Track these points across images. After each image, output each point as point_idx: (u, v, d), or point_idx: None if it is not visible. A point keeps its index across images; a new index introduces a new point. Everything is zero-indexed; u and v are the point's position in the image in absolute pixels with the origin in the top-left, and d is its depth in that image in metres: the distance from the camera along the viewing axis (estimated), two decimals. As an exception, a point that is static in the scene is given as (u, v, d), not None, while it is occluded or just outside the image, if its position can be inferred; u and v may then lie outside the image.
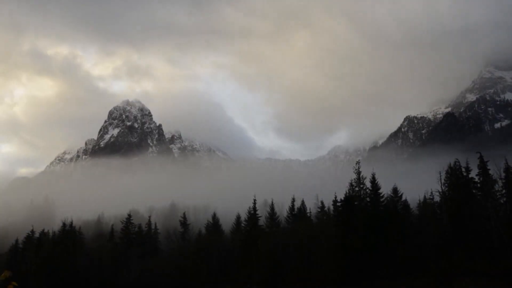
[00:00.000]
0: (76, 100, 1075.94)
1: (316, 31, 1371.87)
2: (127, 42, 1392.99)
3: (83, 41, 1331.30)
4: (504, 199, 55.18)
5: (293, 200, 78.72)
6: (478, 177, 56.68)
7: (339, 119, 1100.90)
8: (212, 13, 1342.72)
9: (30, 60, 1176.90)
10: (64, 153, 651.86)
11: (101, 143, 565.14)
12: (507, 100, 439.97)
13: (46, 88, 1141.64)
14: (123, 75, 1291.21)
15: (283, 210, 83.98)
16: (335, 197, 70.14)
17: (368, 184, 61.12)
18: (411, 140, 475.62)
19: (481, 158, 56.64)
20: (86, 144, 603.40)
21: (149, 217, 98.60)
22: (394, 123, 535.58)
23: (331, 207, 74.28)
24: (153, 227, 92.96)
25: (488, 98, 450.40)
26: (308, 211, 79.99)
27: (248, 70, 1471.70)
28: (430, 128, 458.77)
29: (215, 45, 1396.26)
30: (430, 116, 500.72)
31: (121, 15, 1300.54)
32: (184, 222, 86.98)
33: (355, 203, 60.21)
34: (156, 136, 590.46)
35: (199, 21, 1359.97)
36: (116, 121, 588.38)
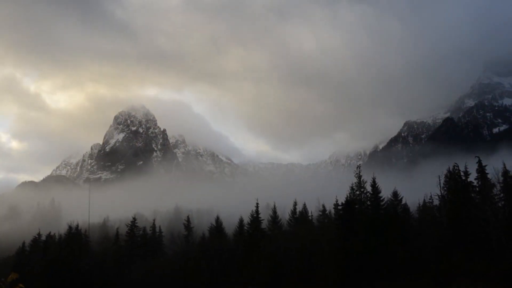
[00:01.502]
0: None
1: (250, 48, 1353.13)
2: (66, 65, 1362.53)
3: (23, 63, 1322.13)
4: (502, 202, 55.68)
5: (295, 203, 79.10)
6: (477, 181, 57.33)
7: (340, 125, 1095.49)
8: (147, 42, 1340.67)
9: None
10: (70, 157, 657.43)
11: (106, 148, 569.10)
12: (505, 105, 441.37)
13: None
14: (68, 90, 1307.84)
15: (285, 214, 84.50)
16: (336, 201, 70.96)
17: (368, 188, 62.05)
18: (410, 145, 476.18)
19: (479, 162, 57.36)
20: (91, 148, 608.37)
21: (154, 220, 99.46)
22: (394, 128, 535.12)
23: (332, 211, 75.03)
24: (157, 230, 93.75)
25: (486, 103, 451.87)
26: (309, 214, 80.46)
27: (203, 90, 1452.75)
28: (430, 133, 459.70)
29: (159, 68, 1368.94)
30: (429, 121, 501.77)
31: (58, 40, 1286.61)
32: (188, 225, 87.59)
33: (356, 206, 61.18)
34: (161, 140, 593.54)
35: (137, 48, 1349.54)
36: (121, 126, 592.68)
